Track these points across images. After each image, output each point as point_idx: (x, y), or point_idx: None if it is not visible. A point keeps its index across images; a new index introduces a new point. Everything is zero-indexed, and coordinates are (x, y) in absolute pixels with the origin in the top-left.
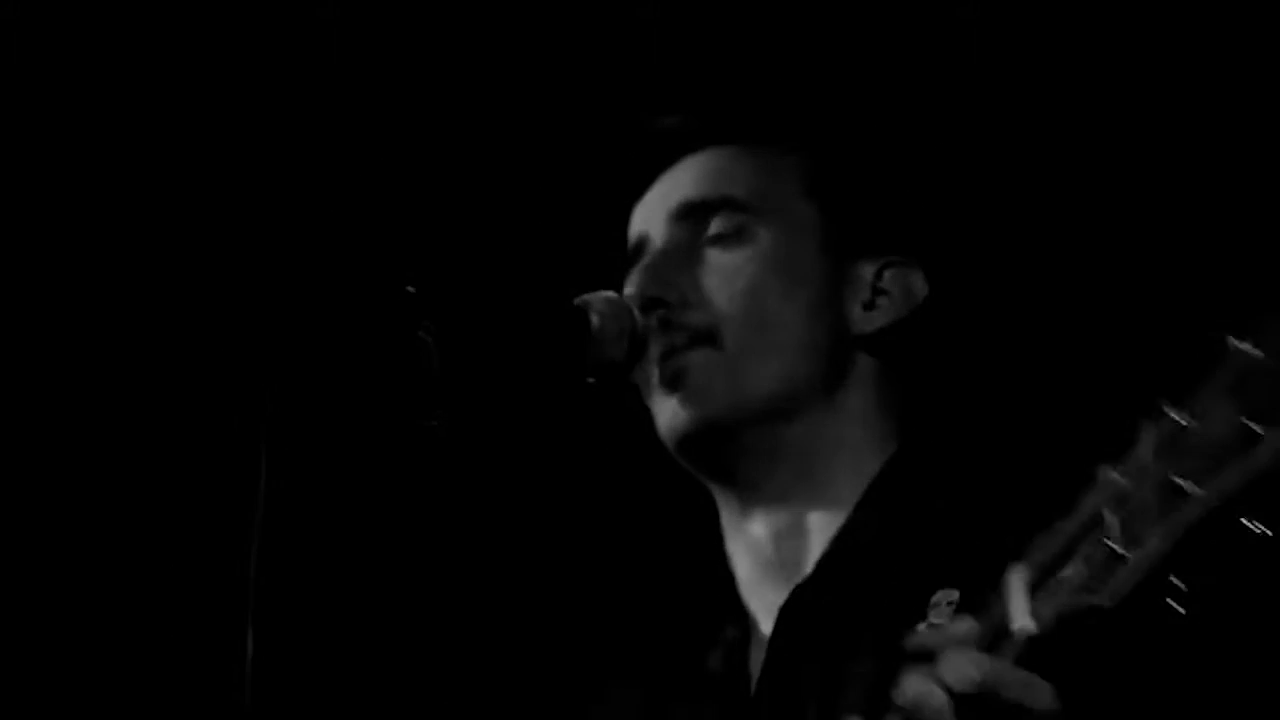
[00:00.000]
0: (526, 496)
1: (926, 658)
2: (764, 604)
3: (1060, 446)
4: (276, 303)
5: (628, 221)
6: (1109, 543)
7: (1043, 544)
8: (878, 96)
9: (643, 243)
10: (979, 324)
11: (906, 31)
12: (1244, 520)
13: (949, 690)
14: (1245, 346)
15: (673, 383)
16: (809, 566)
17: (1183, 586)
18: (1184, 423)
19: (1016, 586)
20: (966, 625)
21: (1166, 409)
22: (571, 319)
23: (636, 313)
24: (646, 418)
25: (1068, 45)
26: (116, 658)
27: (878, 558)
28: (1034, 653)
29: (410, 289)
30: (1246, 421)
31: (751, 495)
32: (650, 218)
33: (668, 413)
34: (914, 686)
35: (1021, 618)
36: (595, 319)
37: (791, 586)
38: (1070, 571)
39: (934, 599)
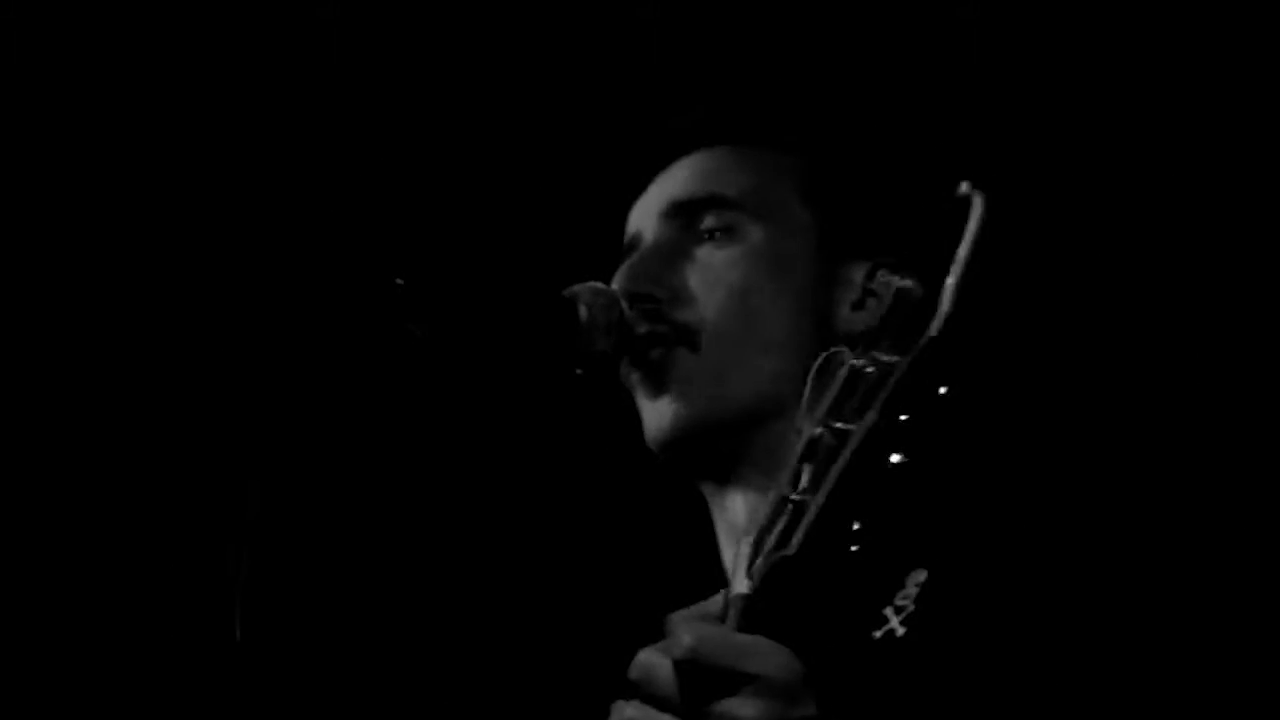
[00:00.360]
0: (516, 488)
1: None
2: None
3: (1032, 435)
4: (268, 298)
5: (622, 219)
6: (797, 495)
7: (766, 508)
8: (874, 98)
9: (635, 240)
10: (968, 324)
11: (904, 33)
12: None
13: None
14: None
15: (656, 382)
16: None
17: (857, 526)
18: (856, 364)
19: (741, 552)
20: (717, 600)
21: (842, 355)
22: (560, 310)
23: (625, 305)
24: (636, 412)
25: (1066, 49)
26: (116, 658)
27: (851, 544)
28: (752, 616)
29: (399, 281)
30: (881, 356)
31: (736, 492)
32: (643, 216)
33: (653, 416)
34: (642, 659)
35: (739, 584)
36: (583, 310)
37: None
38: (776, 529)
39: (907, 581)
